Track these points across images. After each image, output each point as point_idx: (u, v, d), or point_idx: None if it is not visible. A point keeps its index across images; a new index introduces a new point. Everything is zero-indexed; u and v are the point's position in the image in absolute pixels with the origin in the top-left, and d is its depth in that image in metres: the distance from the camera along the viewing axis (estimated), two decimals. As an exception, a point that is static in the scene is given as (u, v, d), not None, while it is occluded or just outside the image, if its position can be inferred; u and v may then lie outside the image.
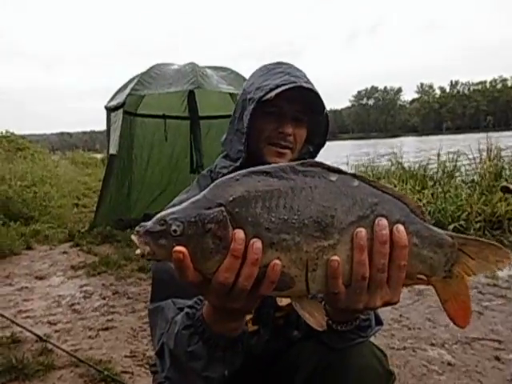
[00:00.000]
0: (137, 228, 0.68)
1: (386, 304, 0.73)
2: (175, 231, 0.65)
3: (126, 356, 2.57)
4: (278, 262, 0.65)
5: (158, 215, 0.68)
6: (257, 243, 0.64)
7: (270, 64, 1.21)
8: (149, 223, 0.68)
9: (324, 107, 1.16)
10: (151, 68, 5.72)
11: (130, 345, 2.72)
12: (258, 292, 0.68)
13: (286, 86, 1.08)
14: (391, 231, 0.69)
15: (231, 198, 0.67)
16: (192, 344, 0.85)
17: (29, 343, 2.68)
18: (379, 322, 1.12)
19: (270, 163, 1.11)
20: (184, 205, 0.69)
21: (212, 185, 0.70)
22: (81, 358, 2.41)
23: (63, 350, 2.48)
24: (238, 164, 1.15)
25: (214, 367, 0.86)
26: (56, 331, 2.92)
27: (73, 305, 3.45)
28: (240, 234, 0.65)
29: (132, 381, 2.28)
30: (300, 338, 1.21)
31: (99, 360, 2.45)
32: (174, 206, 1.15)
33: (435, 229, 0.75)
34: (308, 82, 1.14)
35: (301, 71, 1.18)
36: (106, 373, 2.22)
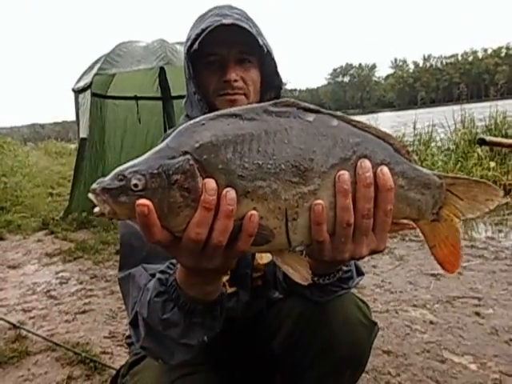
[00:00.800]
0: (93, 185, 0.59)
1: (372, 252, 0.68)
2: (136, 185, 0.58)
3: (105, 337, 2.49)
4: (254, 212, 0.58)
5: (116, 169, 0.60)
6: (230, 193, 0.57)
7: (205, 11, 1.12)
8: (106, 179, 0.59)
9: (261, 45, 1.05)
10: (117, 46, 5.48)
11: (109, 326, 2.65)
12: (235, 248, 0.61)
13: (209, 29, 1.00)
14: (375, 173, 0.64)
15: (198, 145, 0.59)
16: (167, 311, 0.79)
17: (1, 332, 2.57)
18: (360, 273, 1.07)
19: None
20: (144, 156, 0.61)
21: (175, 132, 0.62)
22: (57, 341, 2.33)
23: (38, 335, 2.39)
24: None
25: (192, 333, 0.80)
26: (31, 318, 2.81)
27: (48, 291, 3.33)
28: (211, 183, 0.57)
29: (112, 361, 2.21)
30: (281, 298, 1.16)
31: (76, 343, 2.37)
32: None
33: (422, 169, 0.70)
34: (242, 19, 1.05)
35: (235, 9, 1.09)
36: (83, 354, 2.15)
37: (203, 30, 1.01)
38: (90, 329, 2.62)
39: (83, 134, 5.64)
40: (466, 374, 1.92)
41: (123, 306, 2.89)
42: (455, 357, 2.07)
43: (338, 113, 0.67)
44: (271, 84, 1.15)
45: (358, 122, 0.67)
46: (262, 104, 0.64)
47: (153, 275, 0.88)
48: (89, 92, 5.37)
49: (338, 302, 1.01)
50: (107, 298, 3.13)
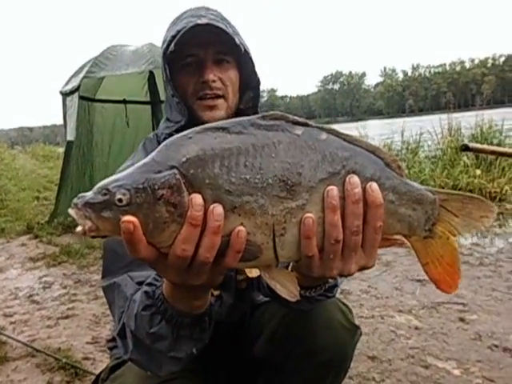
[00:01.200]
0: (74, 200, 0.57)
1: (361, 269, 0.66)
2: (120, 200, 0.55)
3: (87, 342, 2.45)
4: (242, 228, 0.57)
5: (100, 183, 0.58)
6: (217, 208, 0.56)
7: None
8: (88, 194, 0.57)
9: (238, 44, 1.04)
10: (106, 49, 5.47)
11: (92, 331, 2.60)
12: (222, 264, 0.59)
13: (184, 30, 0.99)
14: (364, 189, 0.62)
15: (184, 159, 0.57)
16: (154, 325, 0.77)
17: (-20, 337, 2.51)
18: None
19: (204, 121, 1.04)
20: (129, 170, 0.59)
21: (161, 145, 0.60)
22: (37, 347, 2.28)
23: (18, 341, 2.34)
24: (182, 123, 1.07)
25: (180, 346, 0.78)
26: (11, 323, 2.76)
27: (31, 296, 3.28)
28: (197, 198, 0.55)
29: (94, 367, 2.17)
30: (265, 301, 1.15)
31: (58, 348, 2.33)
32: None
33: (414, 184, 0.68)
34: (217, 19, 1.04)
35: (211, 10, 1.09)
36: (64, 360, 2.11)
37: (178, 32, 1.00)
38: (72, 334, 2.57)
39: (70, 136, 5.59)
40: (449, 380, 1.93)
41: (107, 312, 2.85)
42: (439, 362, 2.08)
43: (328, 126, 0.66)
44: (250, 84, 1.14)
45: (348, 135, 0.65)
46: (250, 117, 0.63)
47: (139, 283, 0.86)
48: (76, 95, 5.33)
49: (321, 305, 1.00)
50: (91, 303, 3.08)
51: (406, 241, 0.69)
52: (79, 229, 0.57)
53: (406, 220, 0.67)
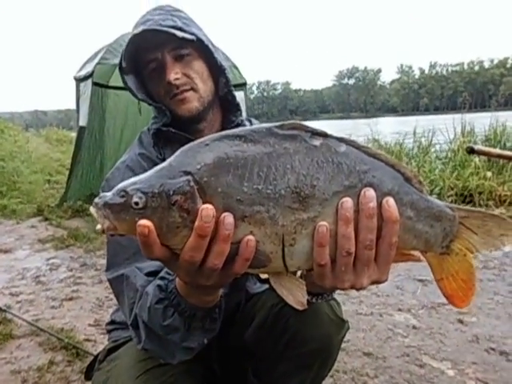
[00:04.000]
0: (96, 199, 0.60)
1: (374, 283, 0.66)
2: (137, 204, 0.58)
3: (89, 325, 2.51)
4: (251, 237, 0.58)
5: (120, 185, 0.61)
6: (228, 218, 0.57)
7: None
8: (108, 194, 0.60)
9: (181, 37, 1.04)
10: (120, 37, 5.49)
11: (95, 314, 2.66)
12: (231, 270, 0.61)
13: (129, 44, 1.04)
14: (381, 204, 0.61)
15: (199, 166, 0.59)
16: (167, 318, 0.80)
17: (-13, 314, 2.59)
18: None
19: (182, 116, 1.09)
20: (148, 173, 0.61)
21: (179, 151, 0.62)
22: (41, 326, 2.34)
23: (23, 320, 2.40)
24: (165, 120, 1.11)
25: (192, 337, 0.82)
26: (18, 302, 2.83)
27: (38, 277, 3.35)
28: (208, 210, 0.56)
29: (95, 348, 2.22)
30: (259, 291, 1.18)
31: (61, 329, 2.39)
32: (117, 169, 1.11)
33: (434, 200, 0.67)
34: (166, 17, 1.06)
35: (158, 10, 1.10)
36: (66, 340, 2.17)
37: (128, 44, 1.05)
38: (75, 316, 2.63)
39: (82, 122, 5.65)
40: (442, 379, 1.94)
41: (110, 296, 2.91)
42: (434, 362, 2.09)
43: (348, 137, 0.65)
44: (220, 69, 1.13)
45: (368, 148, 0.64)
46: (269, 125, 0.63)
47: (148, 274, 0.90)
48: (90, 81, 5.37)
49: None
50: (95, 286, 3.15)
51: (422, 257, 0.69)
52: (98, 227, 0.60)
53: (423, 236, 0.66)
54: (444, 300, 0.70)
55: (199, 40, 1.08)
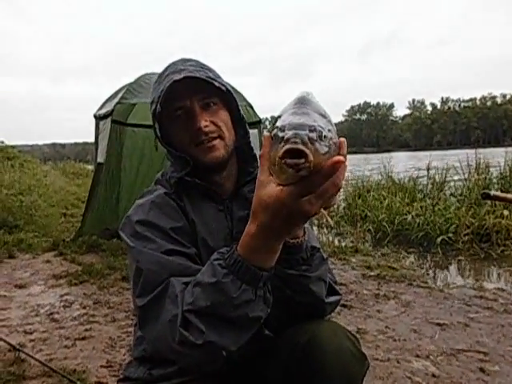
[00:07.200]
0: (300, 132, 0.69)
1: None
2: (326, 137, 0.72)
3: (101, 366, 2.48)
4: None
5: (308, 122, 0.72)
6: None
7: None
8: (303, 132, 0.68)
9: (218, 86, 1.09)
10: (140, 77, 5.71)
11: (107, 355, 2.64)
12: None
13: (164, 91, 1.06)
14: None
15: None
16: (236, 290, 0.85)
17: (1, 353, 2.58)
18: (336, 293, 1.13)
19: (207, 163, 1.11)
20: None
21: None
22: (54, 367, 2.32)
23: (36, 360, 2.39)
24: (188, 170, 1.13)
25: (257, 306, 0.87)
26: (31, 340, 2.82)
27: (51, 314, 3.35)
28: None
29: (106, 392, 2.20)
30: (272, 336, 1.16)
31: (73, 370, 2.36)
32: (140, 206, 1.12)
33: None
34: (197, 69, 1.11)
35: (189, 61, 1.15)
36: (78, 383, 2.14)
37: (162, 91, 1.07)
38: (87, 356, 2.61)
39: (100, 159, 5.79)
40: (465, 435, 1.85)
41: (123, 335, 2.90)
42: (456, 414, 2.00)
43: None
44: (240, 121, 1.18)
45: None
46: None
47: (186, 283, 0.92)
48: (109, 119, 5.55)
49: (329, 330, 1.00)
50: (108, 325, 3.13)
51: None
52: (301, 160, 0.67)
53: None
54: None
55: (228, 91, 1.13)
